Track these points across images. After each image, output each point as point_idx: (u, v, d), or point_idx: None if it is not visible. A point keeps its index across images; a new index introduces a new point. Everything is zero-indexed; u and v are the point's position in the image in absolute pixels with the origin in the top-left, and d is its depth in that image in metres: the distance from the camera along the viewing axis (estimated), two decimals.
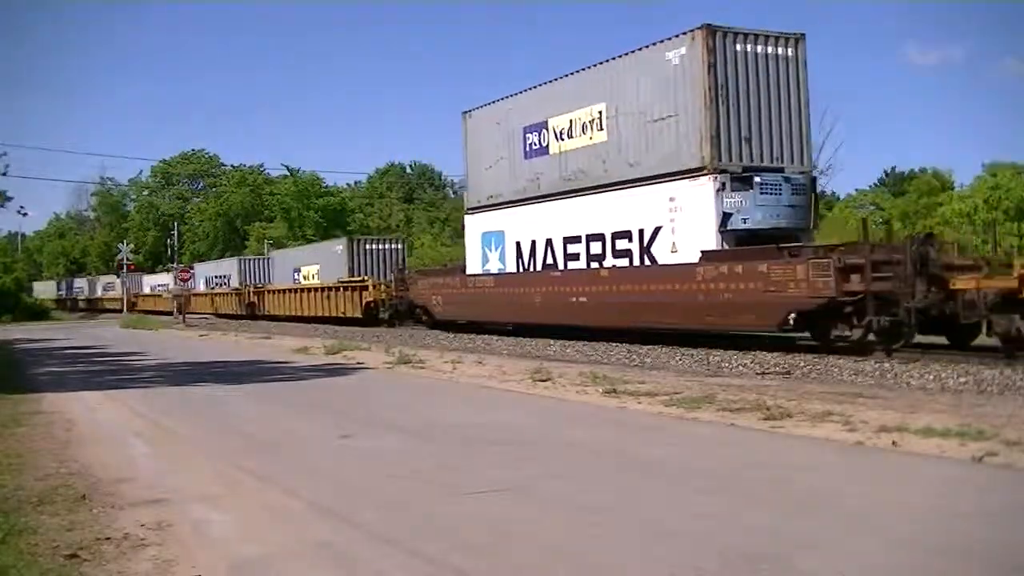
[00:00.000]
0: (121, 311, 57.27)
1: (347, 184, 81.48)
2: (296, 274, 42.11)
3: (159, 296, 60.32)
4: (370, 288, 32.80)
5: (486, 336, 23.35)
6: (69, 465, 7.27)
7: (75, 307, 75.32)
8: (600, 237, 19.22)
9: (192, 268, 54.02)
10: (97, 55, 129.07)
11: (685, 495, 5.77)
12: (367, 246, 37.02)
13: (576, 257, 19.91)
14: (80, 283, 78.71)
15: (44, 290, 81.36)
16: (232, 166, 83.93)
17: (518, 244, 22.07)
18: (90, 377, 15.58)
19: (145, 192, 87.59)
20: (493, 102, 23.49)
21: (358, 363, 16.67)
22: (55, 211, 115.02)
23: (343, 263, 36.39)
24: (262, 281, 47.14)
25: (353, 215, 72.86)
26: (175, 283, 51.28)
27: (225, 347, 23.81)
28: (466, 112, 24.67)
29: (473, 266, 24.07)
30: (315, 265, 39.99)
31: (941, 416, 8.14)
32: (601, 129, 19.12)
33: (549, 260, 20.88)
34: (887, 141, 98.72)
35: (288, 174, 73.03)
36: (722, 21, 16.67)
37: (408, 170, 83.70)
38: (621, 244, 18.58)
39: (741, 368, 14.24)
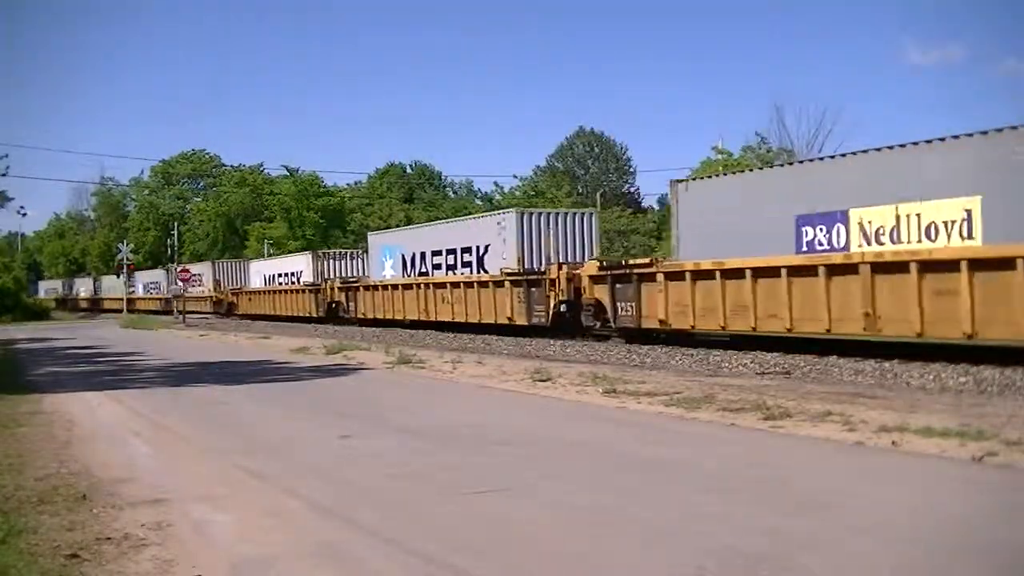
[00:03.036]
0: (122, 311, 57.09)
1: (347, 184, 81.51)
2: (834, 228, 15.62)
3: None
4: None
5: (486, 336, 23.37)
6: (69, 465, 7.27)
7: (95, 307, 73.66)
8: None
9: (189, 269, 50.36)
10: (97, 55, 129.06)
11: (685, 495, 5.77)
12: None
13: None
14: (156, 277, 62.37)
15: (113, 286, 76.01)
16: (232, 166, 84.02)
17: None
18: (90, 377, 15.57)
19: (145, 192, 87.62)
20: None
21: (358, 363, 16.67)
22: (55, 211, 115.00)
23: None
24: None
25: (353, 215, 72.82)
26: (168, 284, 48.24)
27: (225, 347, 23.81)
28: None
29: None
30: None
31: (941, 416, 8.15)
32: None
33: None
34: (887, 140, 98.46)
35: (288, 174, 73.07)
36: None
37: (408, 170, 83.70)
38: None
39: (741, 368, 14.25)
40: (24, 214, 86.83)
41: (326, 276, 37.95)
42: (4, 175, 46.02)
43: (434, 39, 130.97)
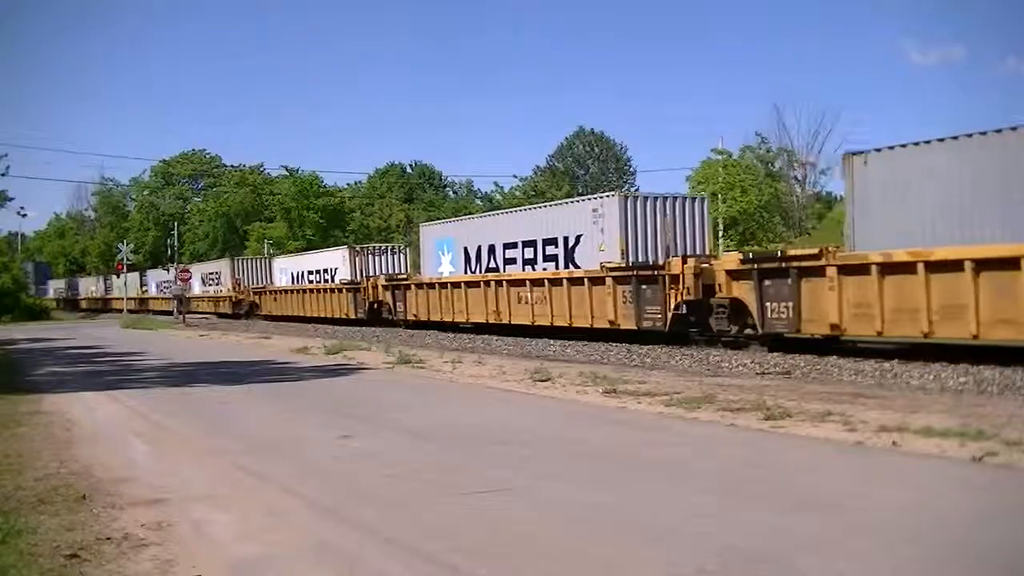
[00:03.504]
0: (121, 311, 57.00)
1: (347, 184, 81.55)
2: None
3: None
4: None
5: (486, 336, 23.38)
6: (69, 465, 7.27)
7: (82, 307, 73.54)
8: None
9: (190, 270, 49.46)
10: (98, 55, 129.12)
11: (685, 495, 5.77)
12: None
13: None
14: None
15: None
16: (232, 166, 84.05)
17: None
18: (90, 377, 15.57)
19: (145, 192, 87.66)
20: None
21: (359, 363, 16.67)
22: (55, 211, 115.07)
23: None
24: None
25: (353, 215, 72.87)
26: (174, 283, 46.96)
27: (225, 347, 23.81)
28: None
29: None
30: None
31: (941, 416, 8.14)
32: None
33: None
34: (887, 140, 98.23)
35: (288, 174, 73.12)
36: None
37: (408, 170, 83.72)
38: None
39: (741, 368, 14.24)
40: (24, 215, 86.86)
41: (368, 273, 34.03)
42: (4, 175, 45.92)
43: (434, 39, 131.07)
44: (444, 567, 4.37)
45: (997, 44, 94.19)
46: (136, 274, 63.56)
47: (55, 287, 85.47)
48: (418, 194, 79.89)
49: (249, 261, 49.16)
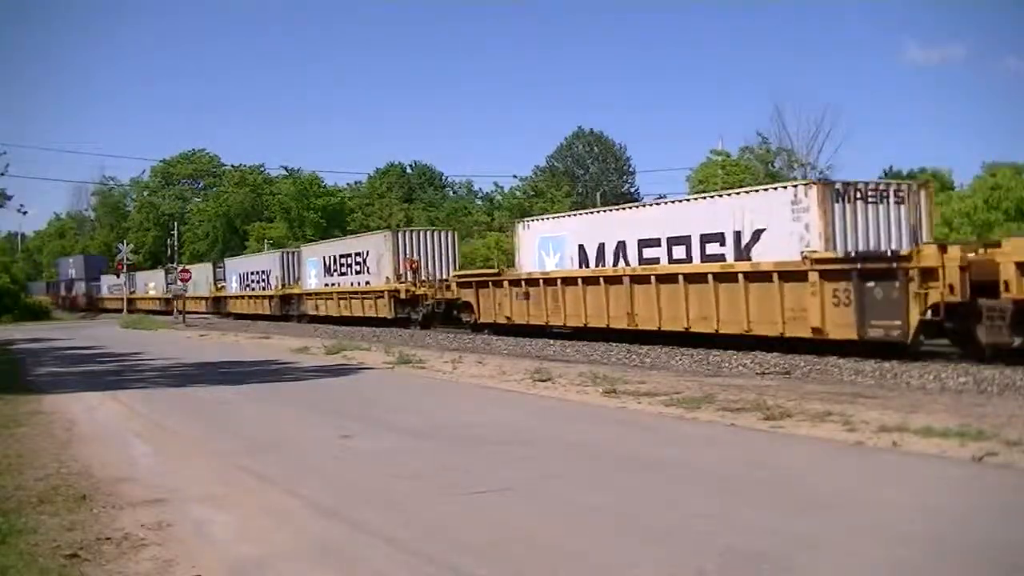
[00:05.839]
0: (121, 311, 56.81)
1: (347, 184, 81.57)
2: None
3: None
4: None
5: (486, 336, 23.38)
6: (69, 465, 7.28)
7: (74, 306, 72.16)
8: None
9: (189, 270, 47.39)
10: (98, 55, 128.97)
11: (685, 495, 5.77)
12: None
13: None
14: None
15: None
16: (232, 166, 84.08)
17: None
18: (90, 377, 15.56)
19: (145, 192, 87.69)
20: None
21: (359, 363, 16.66)
22: (55, 211, 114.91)
23: None
24: None
25: (353, 215, 72.89)
26: (174, 283, 45.80)
27: (225, 347, 23.79)
28: None
29: None
30: None
31: (941, 416, 8.14)
32: None
33: None
34: (887, 140, 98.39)
35: (288, 174, 73.19)
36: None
37: (408, 170, 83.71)
38: None
39: (741, 368, 14.23)
40: (25, 212, 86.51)
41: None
42: (3, 174, 45.68)
43: (434, 39, 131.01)
44: (445, 567, 4.37)
45: (997, 44, 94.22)
46: (208, 266, 54.46)
47: (108, 284, 69.16)
48: (418, 194, 79.84)
49: (438, 236, 31.19)
